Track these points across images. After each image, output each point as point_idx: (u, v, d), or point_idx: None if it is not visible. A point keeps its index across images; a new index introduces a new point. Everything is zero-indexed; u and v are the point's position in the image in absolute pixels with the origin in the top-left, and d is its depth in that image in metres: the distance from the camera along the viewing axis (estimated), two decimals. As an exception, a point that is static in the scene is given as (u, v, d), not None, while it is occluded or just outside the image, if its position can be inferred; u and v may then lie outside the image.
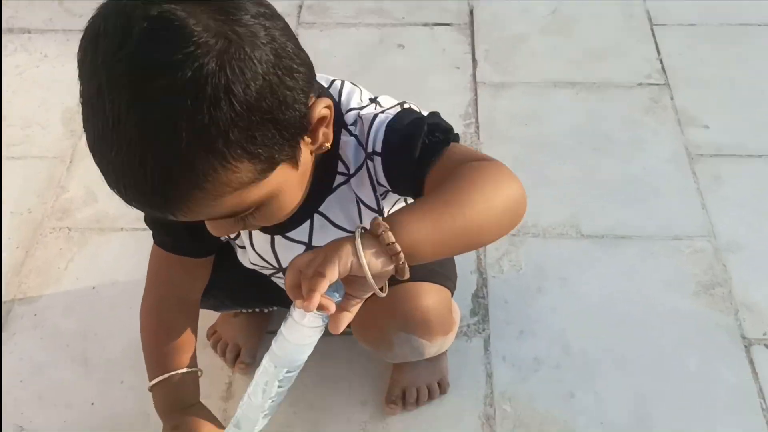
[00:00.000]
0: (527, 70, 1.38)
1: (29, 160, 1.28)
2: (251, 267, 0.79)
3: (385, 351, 0.83)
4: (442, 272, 0.82)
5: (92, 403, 0.98)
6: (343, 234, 0.70)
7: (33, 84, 1.41)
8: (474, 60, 1.40)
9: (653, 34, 1.43)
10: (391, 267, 0.54)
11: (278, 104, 0.52)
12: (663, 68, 1.37)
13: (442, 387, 0.95)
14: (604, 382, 0.96)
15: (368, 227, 0.54)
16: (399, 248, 0.53)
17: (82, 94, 0.52)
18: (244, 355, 0.99)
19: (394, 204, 0.72)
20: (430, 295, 0.79)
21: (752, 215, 1.14)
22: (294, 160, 0.57)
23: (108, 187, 0.54)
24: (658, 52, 1.40)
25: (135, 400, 0.97)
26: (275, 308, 1.01)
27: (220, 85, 0.48)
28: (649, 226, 1.14)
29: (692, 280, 1.07)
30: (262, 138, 0.52)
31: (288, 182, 0.58)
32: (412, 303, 0.78)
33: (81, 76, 0.52)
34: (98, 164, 0.53)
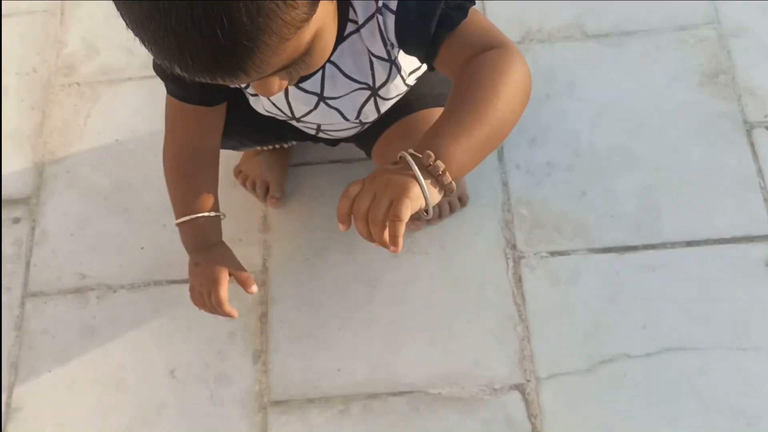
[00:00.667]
0: None
1: (21, 16, 1.25)
2: (265, 114, 0.82)
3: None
4: (447, 93, 0.84)
5: (142, 247, 1.06)
6: (353, 84, 0.73)
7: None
8: None
9: None
10: (442, 195, 0.60)
11: None
12: None
13: (463, 200, 1.01)
14: (613, 179, 1.03)
15: (415, 152, 0.59)
16: (449, 179, 0.59)
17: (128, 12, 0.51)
18: (274, 190, 1.05)
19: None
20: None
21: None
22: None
23: (153, 55, 0.53)
24: None
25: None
26: (294, 143, 1.05)
27: None
28: (654, 19, 1.13)
29: (697, 71, 1.09)
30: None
31: (328, 16, 0.58)
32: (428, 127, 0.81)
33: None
34: (152, 41, 0.51)
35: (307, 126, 0.85)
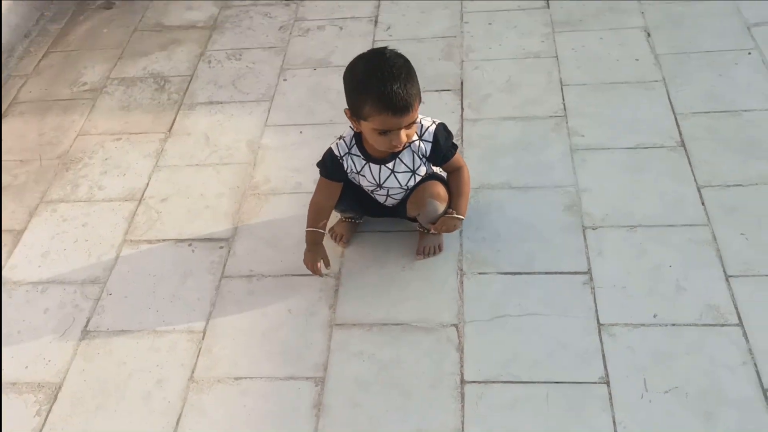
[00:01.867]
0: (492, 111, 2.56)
1: (234, 165, 2.50)
2: (365, 186, 1.96)
3: (421, 211, 1.93)
4: (441, 177, 1.97)
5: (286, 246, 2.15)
6: (405, 167, 1.86)
7: (227, 129, 2.65)
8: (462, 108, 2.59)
9: (561, 90, 2.59)
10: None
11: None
12: (564, 107, 2.51)
13: (441, 248, 2.08)
14: (511, 246, 2.08)
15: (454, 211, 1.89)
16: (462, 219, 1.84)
17: (360, 72, 1.67)
18: (345, 240, 2.15)
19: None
20: (439, 185, 1.91)
21: (597, 177, 2.26)
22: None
23: (369, 113, 1.67)
24: (563, 100, 2.55)
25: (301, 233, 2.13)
26: (362, 220, 2.17)
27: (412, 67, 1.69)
28: (546, 183, 2.26)
29: (563, 206, 2.18)
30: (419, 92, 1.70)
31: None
32: (434, 187, 1.90)
33: (355, 66, 1.69)
34: (380, 103, 1.63)
35: (381, 191, 1.96)
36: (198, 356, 1.94)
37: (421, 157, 1.87)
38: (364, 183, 1.96)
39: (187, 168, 2.51)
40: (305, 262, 2.01)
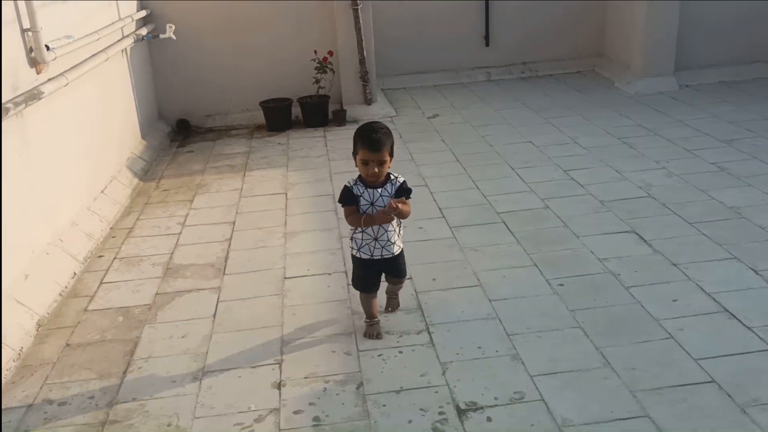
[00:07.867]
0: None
1: (276, 180, 5.84)
2: (363, 204, 3.23)
3: (390, 286, 3.63)
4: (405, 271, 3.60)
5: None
6: (388, 194, 3.25)
7: (270, 173, 6.02)
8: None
9: (411, 155, 6.25)
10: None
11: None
12: (412, 158, 6.14)
13: (399, 305, 3.62)
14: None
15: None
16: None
17: (359, 128, 3.21)
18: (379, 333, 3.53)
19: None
20: (400, 283, 3.57)
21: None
22: (390, 160, 3.22)
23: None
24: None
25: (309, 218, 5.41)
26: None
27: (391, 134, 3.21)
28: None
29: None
30: (392, 147, 3.20)
31: (389, 163, 3.22)
32: (400, 280, 3.61)
33: (359, 131, 3.22)
34: (363, 143, 3.14)
35: (372, 209, 3.26)
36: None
37: (392, 190, 3.23)
38: (363, 202, 3.23)
39: (257, 182, 5.84)
40: (375, 217, 3.25)
